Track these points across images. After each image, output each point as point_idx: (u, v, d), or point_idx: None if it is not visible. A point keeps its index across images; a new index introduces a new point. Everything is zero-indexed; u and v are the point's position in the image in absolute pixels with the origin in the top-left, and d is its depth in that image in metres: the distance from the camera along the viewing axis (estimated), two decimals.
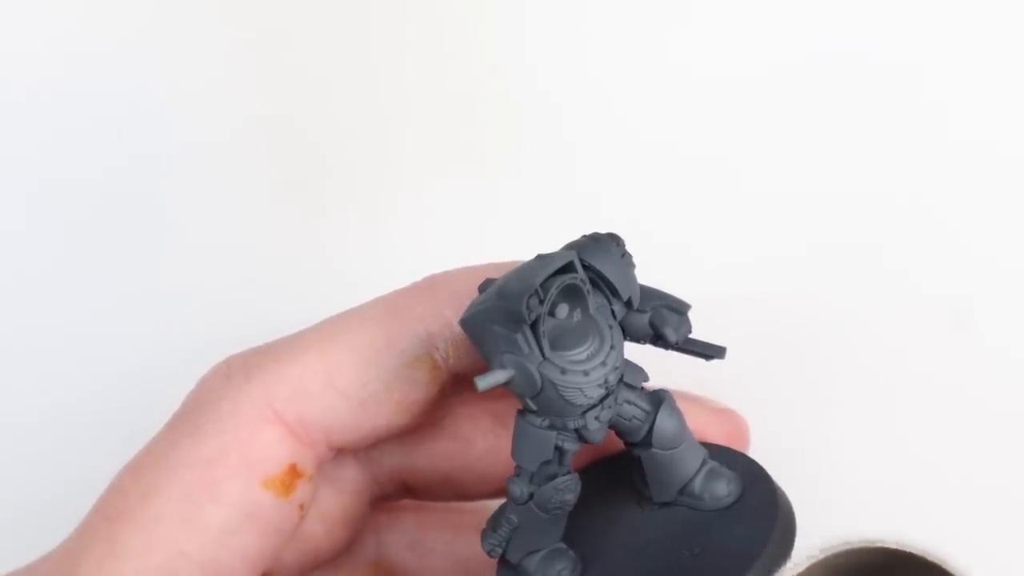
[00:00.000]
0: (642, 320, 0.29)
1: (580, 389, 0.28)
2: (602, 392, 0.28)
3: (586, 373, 0.28)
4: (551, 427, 0.28)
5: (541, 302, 0.27)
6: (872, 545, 0.33)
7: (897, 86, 0.42)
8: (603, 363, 0.28)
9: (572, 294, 0.28)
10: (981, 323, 0.41)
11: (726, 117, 0.43)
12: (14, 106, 0.44)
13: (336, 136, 0.43)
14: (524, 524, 0.29)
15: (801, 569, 0.33)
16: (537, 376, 0.27)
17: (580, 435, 0.28)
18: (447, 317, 0.29)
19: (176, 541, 0.27)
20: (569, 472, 0.29)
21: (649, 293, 0.30)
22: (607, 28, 0.43)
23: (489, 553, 0.30)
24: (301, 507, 0.29)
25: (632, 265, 0.29)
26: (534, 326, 0.27)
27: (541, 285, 0.27)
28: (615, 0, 0.43)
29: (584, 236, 0.29)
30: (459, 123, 0.43)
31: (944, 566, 0.33)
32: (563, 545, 0.30)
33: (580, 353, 0.28)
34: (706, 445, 0.31)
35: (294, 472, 0.29)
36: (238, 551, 0.28)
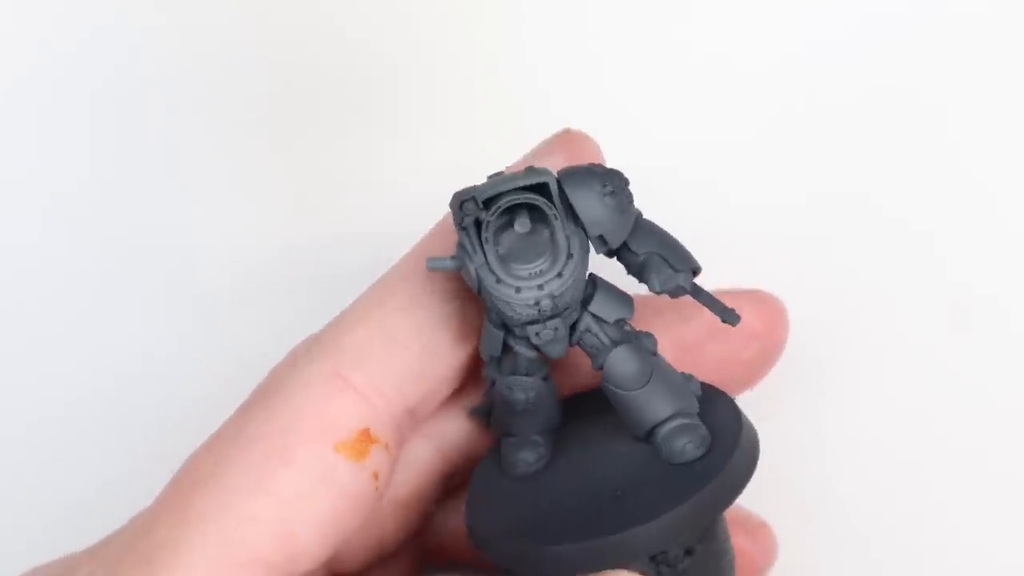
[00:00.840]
0: (635, 261, 0.30)
1: (508, 302, 0.29)
2: (532, 313, 0.29)
3: (518, 290, 0.29)
4: (503, 327, 0.30)
5: (485, 209, 0.28)
6: None
7: (897, 86, 0.42)
8: (540, 286, 0.29)
9: (538, 213, 0.28)
10: (981, 323, 0.41)
11: (720, 123, 0.43)
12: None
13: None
14: (498, 406, 0.32)
15: None
16: (475, 276, 0.29)
17: (532, 345, 0.30)
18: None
19: (248, 507, 0.28)
20: (528, 375, 0.31)
21: (656, 238, 0.30)
22: None
23: (469, 416, 0.33)
24: (375, 476, 0.30)
25: (621, 206, 0.29)
26: (478, 230, 0.28)
27: (487, 199, 0.28)
28: None
29: (583, 165, 0.29)
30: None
31: None
32: (539, 439, 0.32)
33: (523, 270, 0.29)
34: (708, 390, 0.32)
35: (367, 437, 0.30)
36: (311, 517, 0.29)
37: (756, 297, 0.34)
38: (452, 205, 0.28)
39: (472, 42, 0.44)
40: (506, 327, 0.30)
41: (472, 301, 0.31)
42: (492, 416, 0.32)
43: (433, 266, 0.29)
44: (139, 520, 0.30)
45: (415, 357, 0.30)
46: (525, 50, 0.43)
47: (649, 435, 0.31)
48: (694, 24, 0.43)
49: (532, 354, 0.30)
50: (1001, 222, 0.42)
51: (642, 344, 0.30)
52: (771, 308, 0.34)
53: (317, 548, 0.29)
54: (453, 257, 0.29)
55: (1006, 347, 0.41)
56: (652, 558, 0.30)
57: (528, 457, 0.32)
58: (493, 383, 0.31)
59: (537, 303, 0.29)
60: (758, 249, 0.42)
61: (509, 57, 0.43)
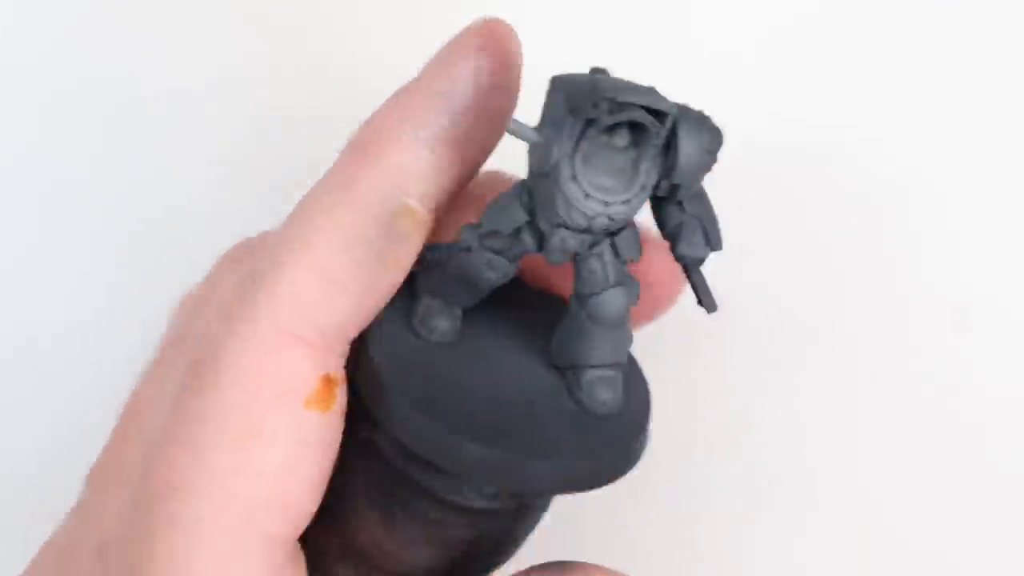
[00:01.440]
0: (676, 219, 0.29)
1: (569, 202, 0.28)
2: (584, 223, 0.28)
3: (587, 196, 0.28)
4: (528, 212, 0.29)
5: (609, 113, 0.27)
6: None
7: (896, 85, 0.42)
8: (607, 203, 0.28)
9: (642, 136, 0.27)
10: (981, 323, 0.41)
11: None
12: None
13: None
14: (448, 268, 0.30)
15: None
16: (552, 161, 0.27)
17: (541, 244, 0.29)
18: (404, 162, 0.29)
19: (241, 495, 0.27)
20: (503, 259, 0.30)
21: (705, 206, 0.29)
22: None
23: (421, 261, 0.31)
24: (342, 413, 0.29)
25: (708, 167, 0.28)
26: (586, 127, 0.27)
27: (622, 103, 0.26)
28: None
29: (702, 112, 0.28)
30: None
31: None
32: (458, 312, 0.31)
33: (597, 180, 0.28)
34: (632, 367, 0.31)
35: (329, 382, 0.28)
36: (303, 481, 0.28)
37: (663, 248, 0.34)
38: (578, 94, 0.27)
39: None
40: (531, 215, 0.29)
41: (424, 228, 0.30)
42: (424, 272, 0.31)
43: (514, 129, 0.27)
44: (120, 540, 0.28)
45: (354, 297, 0.29)
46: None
47: (570, 370, 0.30)
48: (692, 24, 0.43)
49: (532, 247, 0.29)
50: (1001, 222, 0.42)
51: (632, 289, 0.30)
52: (671, 263, 0.34)
53: (310, 504, 0.28)
54: (538, 131, 0.28)
55: (1006, 347, 0.42)
56: (479, 491, 0.30)
57: (445, 326, 0.31)
58: (467, 249, 0.30)
59: (595, 217, 0.28)
60: (757, 249, 0.42)
61: None
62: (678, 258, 0.29)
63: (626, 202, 0.28)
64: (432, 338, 0.31)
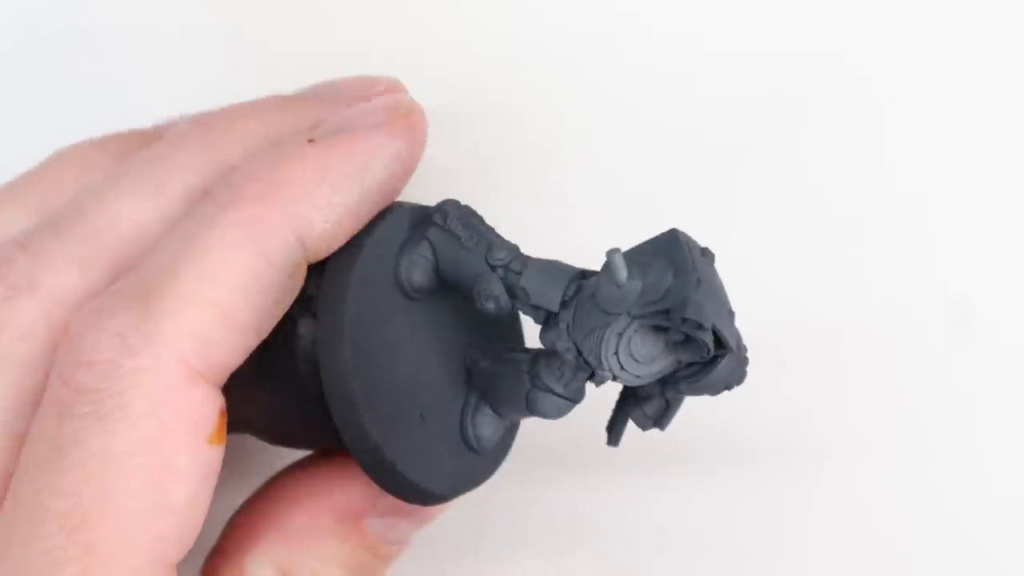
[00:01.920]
0: (653, 386, 0.29)
1: (599, 358, 0.28)
2: (596, 370, 0.28)
3: (617, 359, 0.28)
4: (565, 335, 0.28)
5: (687, 327, 0.27)
6: None
7: (897, 85, 0.42)
8: (622, 368, 0.28)
9: (693, 347, 0.27)
10: (981, 323, 0.41)
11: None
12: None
13: None
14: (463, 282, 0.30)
15: None
16: (614, 313, 0.27)
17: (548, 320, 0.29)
18: (308, 216, 0.29)
19: (151, 532, 0.27)
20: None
21: (681, 399, 0.30)
22: None
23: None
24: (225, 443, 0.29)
25: (716, 393, 0.29)
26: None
27: (704, 327, 0.26)
28: None
29: (746, 356, 0.28)
30: None
31: None
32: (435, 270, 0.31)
33: (634, 353, 0.28)
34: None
35: (223, 417, 0.29)
36: (203, 511, 0.28)
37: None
38: (676, 294, 0.27)
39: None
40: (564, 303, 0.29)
41: (303, 277, 0.30)
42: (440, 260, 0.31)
43: (614, 263, 0.27)
44: None
45: (248, 341, 0.29)
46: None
47: (478, 395, 0.31)
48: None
49: (538, 320, 0.29)
50: (1001, 221, 0.42)
51: (570, 406, 0.30)
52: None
53: (196, 531, 0.28)
54: (630, 278, 0.27)
55: (1006, 347, 0.41)
56: None
57: (421, 280, 0.31)
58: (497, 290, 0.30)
59: (610, 375, 0.28)
60: (757, 249, 0.42)
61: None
62: (624, 399, 0.30)
63: (638, 377, 0.28)
64: (409, 290, 0.31)
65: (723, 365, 0.28)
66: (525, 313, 0.30)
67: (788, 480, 0.41)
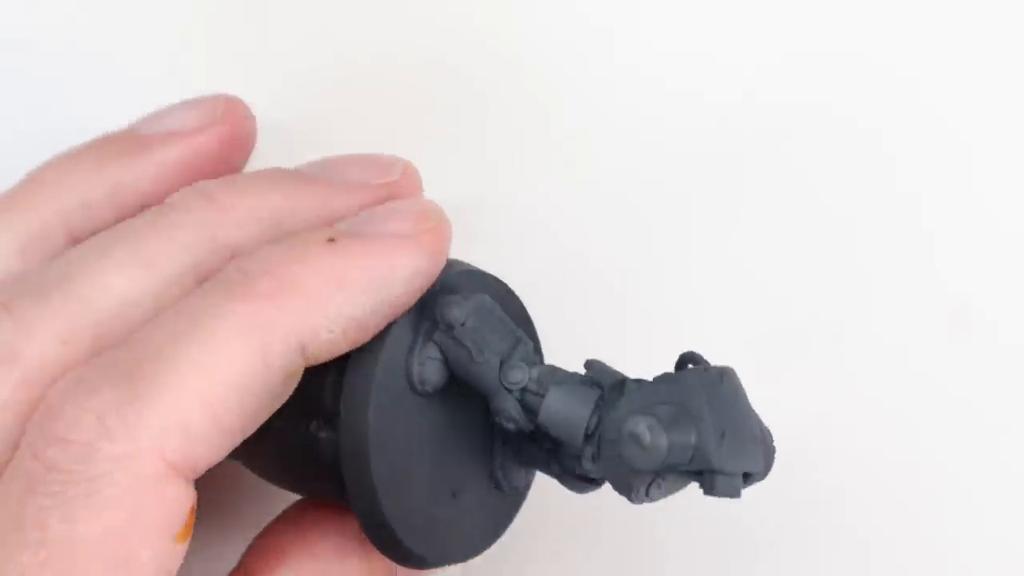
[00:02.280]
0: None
1: (629, 497, 0.28)
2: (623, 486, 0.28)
3: (646, 494, 0.28)
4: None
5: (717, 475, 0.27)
6: None
7: (896, 85, 0.42)
8: (664, 497, 0.28)
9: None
10: (981, 323, 0.41)
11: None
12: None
13: None
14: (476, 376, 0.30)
15: None
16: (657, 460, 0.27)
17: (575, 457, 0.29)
18: (316, 324, 0.28)
19: None
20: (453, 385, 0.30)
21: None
22: None
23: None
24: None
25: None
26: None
27: (713, 468, 0.27)
28: None
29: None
30: None
31: None
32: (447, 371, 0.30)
33: (664, 492, 0.28)
34: None
35: (192, 515, 0.28)
36: None
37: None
38: (707, 444, 0.27)
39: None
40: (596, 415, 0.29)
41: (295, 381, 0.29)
42: (453, 355, 0.30)
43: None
44: None
45: (231, 441, 0.28)
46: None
47: (500, 460, 0.32)
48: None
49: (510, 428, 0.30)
50: (1002, 222, 0.42)
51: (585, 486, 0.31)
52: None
53: None
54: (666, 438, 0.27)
55: (1006, 347, 0.41)
56: None
57: (435, 379, 0.30)
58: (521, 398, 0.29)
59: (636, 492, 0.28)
60: (757, 249, 0.42)
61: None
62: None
63: (663, 497, 0.29)
64: (424, 391, 0.30)
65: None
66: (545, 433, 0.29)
67: (788, 480, 0.41)
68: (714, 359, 0.34)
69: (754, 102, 0.42)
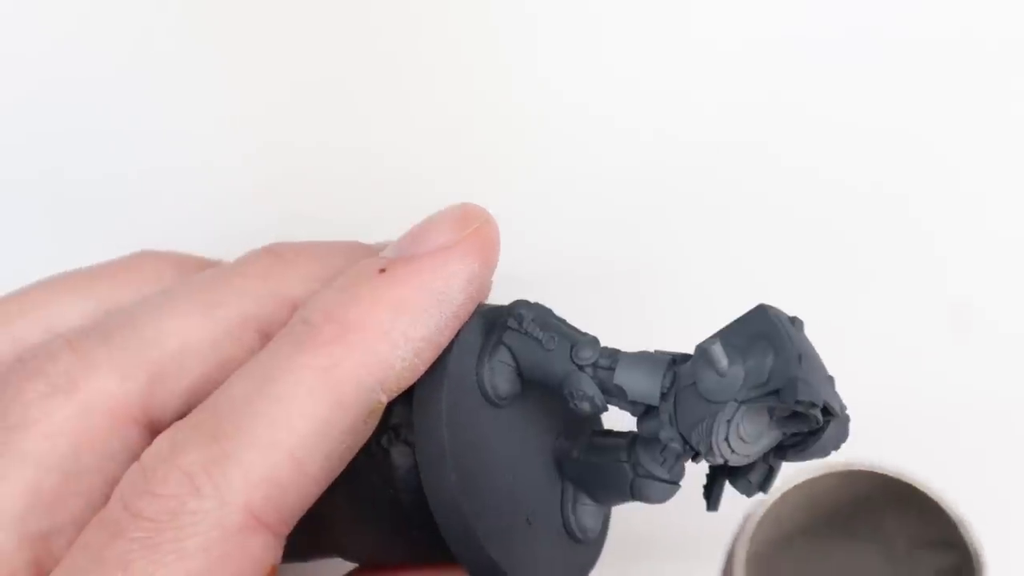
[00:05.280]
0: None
1: (708, 443, 0.27)
2: (703, 452, 0.27)
3: (727, 442, 0.27)
4: (663, 424, 0.28)
5: (800, 406, 0.26)
6: (852, 469, 0.33)
7: (897, 86, 0.42)
8: (732, 451, 0.27)
9: (801, 420, 0.27)
10: (981, 323, 0.41)
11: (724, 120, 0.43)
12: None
13: None
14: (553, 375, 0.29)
15: (779, 495, 0.33)
16: (722, 400, 0.27)
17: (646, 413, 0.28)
18: (386, 357, 0.28)
19: None
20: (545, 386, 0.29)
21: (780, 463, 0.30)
22: None
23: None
24: None
25: (825, 455, 0.28)
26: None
27: (792, 381, 0.26)
28: None
29: (848, 415, 0.28)
30: None
31: (924, 490, 0.33)
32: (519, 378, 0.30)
33: (742, 433, 0.27)
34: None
35: (275, 570, 0.28)
36: None
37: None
38: (781, 372, 0.26)
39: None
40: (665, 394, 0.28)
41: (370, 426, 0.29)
42: (524, 358, 0.30)
43: (713, 354, 0.26)
44: None
45: (318, 486, 0.28)
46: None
47: (573, 484, 0.31)
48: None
49: (589, 406, 0.29)
50: (1001, 223, 0.42)
51: (673, 489, 0.30)
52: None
53: None
54: (731, 365, 0.27)
55: (1006, 347, 0.42)
56: None
57: (506, 388, 0.30)
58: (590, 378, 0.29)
59: (717, 455, 0.27)
60: (758, 250, 0.42)
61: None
62: (723, 467, 0.29)
63: (747, 456, 0.28)
64: (494, 399, 0.30)
65: (829, 431, 0.27)
66: (621, 408, 0.29)
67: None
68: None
69: (754, 100, 0.42)
